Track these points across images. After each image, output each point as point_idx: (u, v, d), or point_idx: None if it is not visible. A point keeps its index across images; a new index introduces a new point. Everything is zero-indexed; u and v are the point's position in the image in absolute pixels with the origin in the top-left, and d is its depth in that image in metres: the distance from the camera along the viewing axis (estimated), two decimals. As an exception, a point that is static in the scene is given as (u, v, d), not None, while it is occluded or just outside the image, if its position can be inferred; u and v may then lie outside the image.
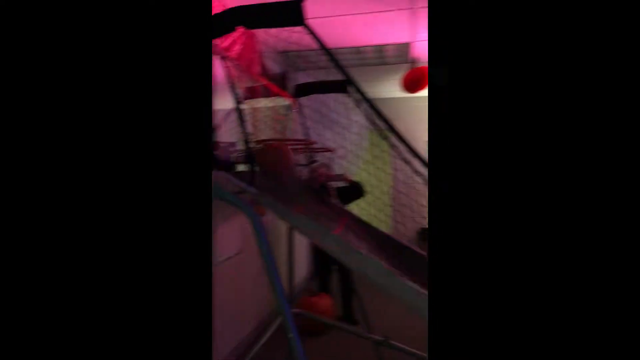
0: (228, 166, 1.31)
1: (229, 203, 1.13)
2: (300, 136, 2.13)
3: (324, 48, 1.11)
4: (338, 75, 1.17)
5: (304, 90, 2.08)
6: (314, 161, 1.92)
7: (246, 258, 2.27)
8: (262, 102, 1.92)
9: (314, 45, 1.11)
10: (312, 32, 1.10)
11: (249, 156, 1.18)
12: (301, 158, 1.95)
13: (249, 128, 1.66)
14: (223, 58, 1.33)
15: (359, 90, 1.16)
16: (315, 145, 1.89)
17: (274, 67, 2.85)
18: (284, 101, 2.10)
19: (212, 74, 1.21)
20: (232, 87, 1.14)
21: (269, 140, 1.47)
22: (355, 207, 2.71)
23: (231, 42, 1.99)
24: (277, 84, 2.88)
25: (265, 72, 2.50)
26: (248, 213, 1.11)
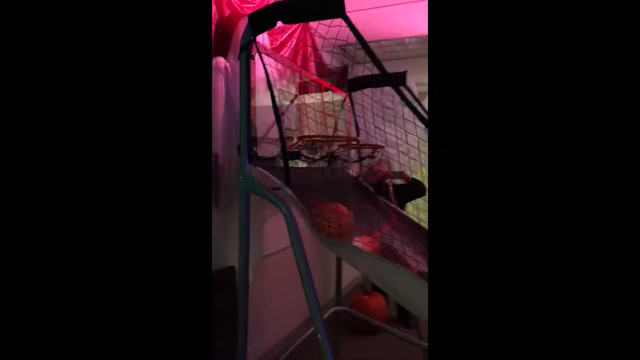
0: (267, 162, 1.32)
1: (264, 198, 1.14)
2: (353, 131, 2.08)
3: (360, 40, 1.05)
4: (398, 67, 1.09)
5: (357, 84, 2.02)
6: (364, 157, 1.86)
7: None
8: (314, 98, 1.91)
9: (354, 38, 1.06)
10: (350, 24, 1.05)
11: (284, 153, 1.18)
12: (351, 154, 1.90)
13: (295, 124, 1.66)
14: (269, 57, 1.35)
15: (393, 83, 1.08)
16: (364, 142, 1.83)
17: (334, 62, 2.81)
18: (336, 96, 2.07)
19: (252, 73, 1.23)
20: (270, 85, 1.14)
21: (314, 136, 1.45)
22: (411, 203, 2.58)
23: (281, 42, 2.01)
24: (336, 79, 2.85)
25: (321, 68, 2.49)
26: (282, 210, 1.11)
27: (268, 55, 1.26)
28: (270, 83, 1.15)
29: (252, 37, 1.14)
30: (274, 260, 2.00)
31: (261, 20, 1.12)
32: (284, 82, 1.67)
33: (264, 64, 1.15)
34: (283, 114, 1.69)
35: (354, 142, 1.65)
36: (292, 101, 1.90)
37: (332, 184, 1.64)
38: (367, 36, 1.06)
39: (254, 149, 1.20)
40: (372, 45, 2.93)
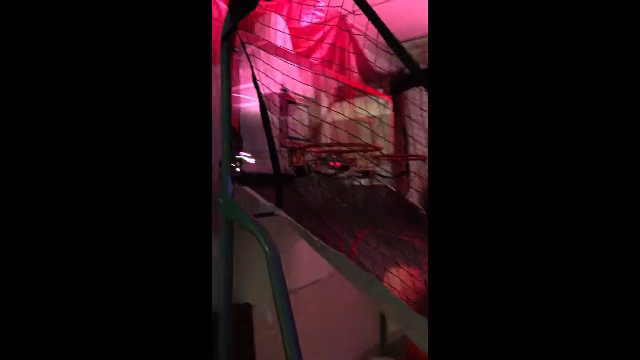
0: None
1: (244, 227, 0.89)
2: (397, 141, 1.73)
3: (368, 13, 0.77)
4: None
5: (400, 85, 1.69)
6: (404, 172, 1.50)
7: (338, 282, 1.99)
8: (349, 105, 1.62)
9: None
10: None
11: (276, 168, 0.91)
12: (387, 167, 1.56)
13: (308, 132, 1.38)
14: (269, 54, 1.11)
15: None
16: (412, 152, 1.47)
17: (384, 65, 2.50)
18: (378, 101, 1.75)
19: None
20: (255, 81, 0.90)
21: (316, 144, 1.17)
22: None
23: (315, 43, 1.77)
24: (386, 82, 2.52)
25: (366, 71, 2.19)
26: (262, 245, 0.83)
27: (259, 48, 1.02)
28: (256, 80, 0.91)
29: (233, 25, 0.92)
30: (300, 296, 1.71)
31: (241, 2, 0.89)
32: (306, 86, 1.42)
33: (247, 56, 0.91)
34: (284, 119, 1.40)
35: (378, 152, 1.31)
36: (329, 109, 1.64)
37: (362, 206, 1.32)
38: (414, 31, 0.81)
39: (238, 164, 0.95)
40: (422, 42, 2.53)
